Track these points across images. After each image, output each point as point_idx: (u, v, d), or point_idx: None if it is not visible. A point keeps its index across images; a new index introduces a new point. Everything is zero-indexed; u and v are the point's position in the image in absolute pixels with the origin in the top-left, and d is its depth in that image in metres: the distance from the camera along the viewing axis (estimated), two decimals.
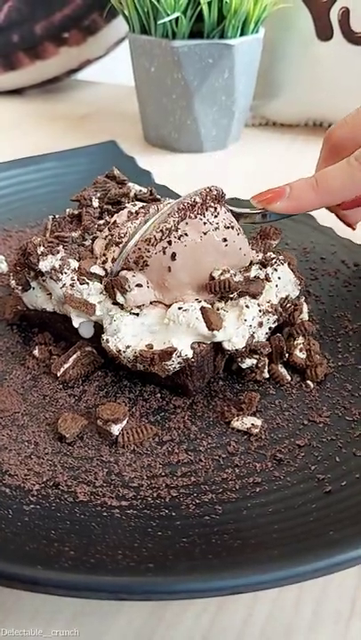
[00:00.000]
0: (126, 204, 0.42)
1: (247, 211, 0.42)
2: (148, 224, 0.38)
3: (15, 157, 0.64)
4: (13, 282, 0.41)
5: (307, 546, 0.25)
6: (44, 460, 0.34)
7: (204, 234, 0.36)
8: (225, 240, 0.37)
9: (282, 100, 0.80)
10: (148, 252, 0.36)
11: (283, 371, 0.39)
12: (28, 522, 0.29)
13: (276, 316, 0.38)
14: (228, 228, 0.37)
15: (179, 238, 0.36)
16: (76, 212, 0.44)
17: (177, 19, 0.65)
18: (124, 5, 0.69)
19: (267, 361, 0.38)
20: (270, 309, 0.37)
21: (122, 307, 0.36)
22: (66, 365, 0.39)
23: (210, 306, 0.36)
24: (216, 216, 0.37)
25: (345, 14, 0.72)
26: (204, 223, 0.36)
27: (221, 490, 0.31)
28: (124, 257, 0.37)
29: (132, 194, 0.45)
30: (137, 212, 0.39)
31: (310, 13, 0.74)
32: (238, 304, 0.36)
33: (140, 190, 0.46)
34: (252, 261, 0.40)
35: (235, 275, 0.37)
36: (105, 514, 0.30)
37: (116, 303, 0.37)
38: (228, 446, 0.34)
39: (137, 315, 0.36)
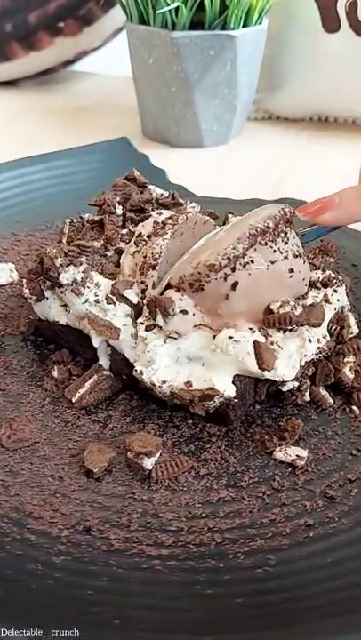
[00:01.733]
0: (151, 213, 0.38)
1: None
2: (199, 244, 0.34)
3: (9, 151, 0.60)
4: (27, 291, 0.38)
5: None
6: (71, 498, 0.30)
7: (272, 263, 0.33)
8: (291, 271, 0.34)
9: (286, 93, 0.77)
10: (208, 277, 0.32)
11: (325, 393, 0.36)
12: (60, 578, 0.26)
13: (327, 353, 0.35)
14: (297, 256, 0.34)
15: (244, 266, 0.32)
16: (96, 219, 0.41)
17: (177, 8, 0.62)
18: None
19: (308, 383, 0.35)
20: (326, 348, 0.34)
21: (159, 328, 0.33)
22: (82, 391, 0.35)
23: (264, 338, 0.33)
24: (286, 242, 0.34)
25: (353, 6, 0.68)
26: (274, 251, 0.33)
27: (271, 534, 0.28)
28: (166, 281, 0.34)
29: (153, 196, 0.42)
30: (164, 223, 0.36)
31: (316, 4, 0.70)
32: (302, 335, 0.33)
33: (162, 194, 0.42)
34: (310, 281, 0.37)
35: (295, 307, 0.34)
36: (145, 566, 0.27)
37: (151, 327, 0.33)
38: (272, 481, 0.31)
39: (174, 338, 0.33)
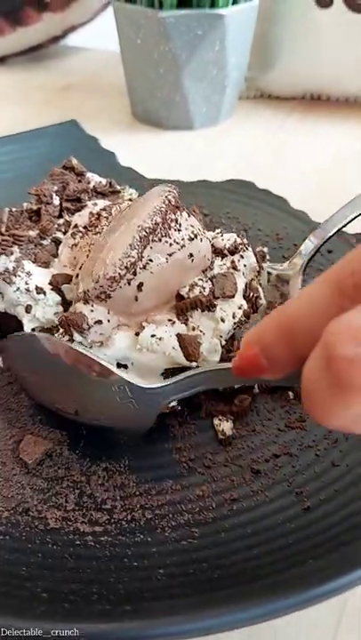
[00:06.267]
0: (87, 203, 0.39)
1: None
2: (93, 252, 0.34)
3: None
4: None
5: (286, 578, 0.24)
6: (13, 482, 0.32)
7: (170, 255, 0.33)
8: (191, 255, 0.34)
9: (278, 71, 0.76)
10: (112, 287, 0.32)
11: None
12: None
13: (246, 320, 0.36)
14: (193, 239, 0.34)
15: (144, 267, 0.32)
16: (34, 208, 0.41)
17: None
18: None
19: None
20: (244, 317, 0.35)
21: (78, 343, 0.33)
22: None
23: (185, 326, 0.33)
24: (179, 230, 0.34)
25: None
26: (170, 245, 0.33)
27: (198, 509, 0.30)
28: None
29: (91, 186, 0.43)
30: (98, 214, 0.37)
31: None
32: (214, 317, 0.34)
33: (100, 182, 0.43)
34: (216, 249, 0.37)
35: (203, 287, 0.34)
36: (78, 542, 0.29)
37: (70, 340, 0.33)
38: (203, 459, 0.33)
39: (99, 345, 0.33)
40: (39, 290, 0.35)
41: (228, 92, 0.70)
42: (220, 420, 0.35)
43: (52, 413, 0.36)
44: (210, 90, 0.69)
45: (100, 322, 0.32)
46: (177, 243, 0.33)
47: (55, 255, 0.38)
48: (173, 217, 0.33)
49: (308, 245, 0.41)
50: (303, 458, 0.33)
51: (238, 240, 0.37)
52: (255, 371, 0.23)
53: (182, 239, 0.33)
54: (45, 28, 0.88)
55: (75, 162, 0.43)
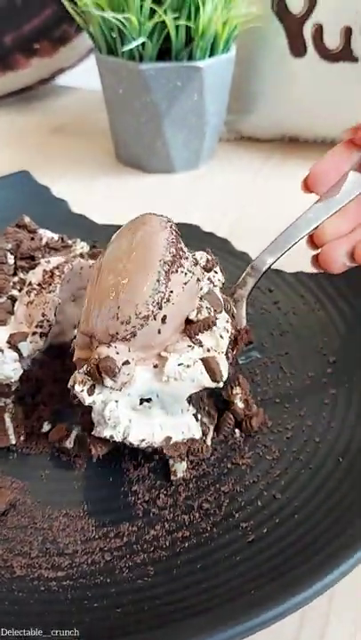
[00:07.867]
0: (40, 260, 0.42)
1: None
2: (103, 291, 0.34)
3: None
4: None
5: (230, 609, 0.27)
6: None
7: (185, 284, 0.34)
8: (198, 280, 0.36)
9: (256, 115, 0.80)
10: (142, 325, 0.32)
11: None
12: None
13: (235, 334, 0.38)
14: (196, 264, 0.36)
15: (168, 300, 0.33)
16: None
17: (143, 42, 0.64)
18: (90, 24, 0.67)
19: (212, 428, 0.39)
20: (234, 330, 0.37)
21: (100, 386, 0.33)
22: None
23: (201, 350, 0.34)
24: (187, 258, 0.34)
25: (318, 31, 0.72)
26: (185, 274, 0.34)
27: (153, 548, 0.33)
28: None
29: (43, 242, 0.45)
30: (52, 272, 0.40)
31: (284, 30, 0.73)
32: (214, 335, 0.35)
33: (52, 238, 0.46)
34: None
35: (207, 307, 0.35)
36: (42, 588, 0.31)
37: (92, 389, 0.33)
38: (157, 500, 0.36)
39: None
40: None
41: (207, 138, 0.74)
42: (174, 460, 0.37)
43: (14, 463, 0.38)
44: (190, 137, 0.73)
45: (127, 362, 0.32)
46: (189, 271, 0.34)
47: (11, 312, 0.40)
48: (180, 246, 0.35)
49: (248, 279, 0.43)
50: (248, 493, 0.36)
51: (209, 257, 0.40)
52: None
53: (190, 266, 0.35)
54: (35, 72, 0.92)
55: (27, 220, 0.46)
